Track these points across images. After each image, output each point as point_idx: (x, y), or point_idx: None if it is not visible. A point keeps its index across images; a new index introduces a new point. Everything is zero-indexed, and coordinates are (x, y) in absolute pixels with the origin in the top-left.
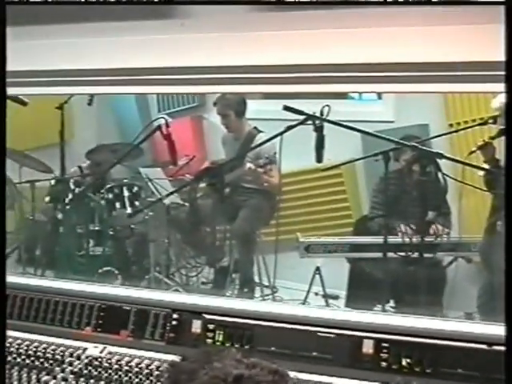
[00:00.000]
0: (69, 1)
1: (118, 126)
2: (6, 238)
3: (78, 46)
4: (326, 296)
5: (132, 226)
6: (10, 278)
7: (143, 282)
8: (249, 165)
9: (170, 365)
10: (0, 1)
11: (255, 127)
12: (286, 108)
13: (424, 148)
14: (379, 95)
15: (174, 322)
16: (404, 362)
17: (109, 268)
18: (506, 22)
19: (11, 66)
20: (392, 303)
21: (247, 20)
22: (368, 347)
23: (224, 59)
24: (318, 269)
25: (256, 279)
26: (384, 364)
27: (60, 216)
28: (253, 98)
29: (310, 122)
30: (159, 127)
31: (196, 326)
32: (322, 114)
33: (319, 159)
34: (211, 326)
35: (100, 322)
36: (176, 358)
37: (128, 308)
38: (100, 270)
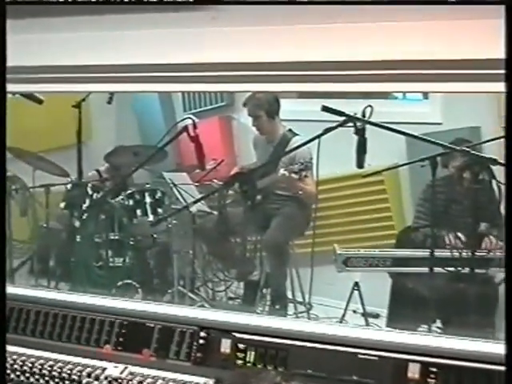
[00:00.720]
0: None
1: (139, 126)
2: (18, 247)
3: (98, 39)
4: (365, 314)
5: (154, 236)
6: (22, 291)
7: (166, 297)
8: (282, 171)
9: None
10: (0, 1)
11: (290, 129)
12: (325, 108)
13: (476, 153)
14: (425, 95)
15: (201, 341)
16: None
17: (129, 281)
18: (506, 22)
19: (25, 61)
20: (439, 323)
21: (283, 12)
22: (414, 371)
23: (257, 55)
24: (356, 284)
25: (289, 295)
26: None
27: (76, 224)
28: (287, 97)
29: (350, 123)
30: (186, 128)
31: (225, 345)
32: (363, 115)
33: (360, 164)
34: (242, 346)
35: (120, 339)
36: (210, 381)
37: (151, 325)
38: (119, 283)
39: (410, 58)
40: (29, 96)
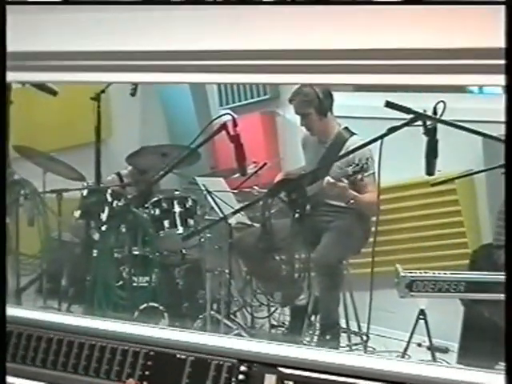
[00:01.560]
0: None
1: (168, 123)
2: (26, 263)
3: (121, 22)
4: (432, 348)
5: (184, 251)
6: (31, 314)
7: (196, 323)
8: (327, 178)
9: None
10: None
11: (346, 128)
12: (389, 104)
13: None
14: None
15: (241, 376)
16: None
17: (154, 304)
18: (506, 22)
19: (37, 45)
20: None
21: None
22: None
23: (306, 41)
24: (422, 312)
25: (342, 323)
26: None
27: (94, 236)
28: (341, 90)
29: (419, 122)
30: (224, 126)
31: (270, 381)
32: (435, 112)
33: (431, 171)
34: (289, 383)
35: (146, 372)
36: None
37: (182, 356)
38: (142, 306)
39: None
40: (41, 86)
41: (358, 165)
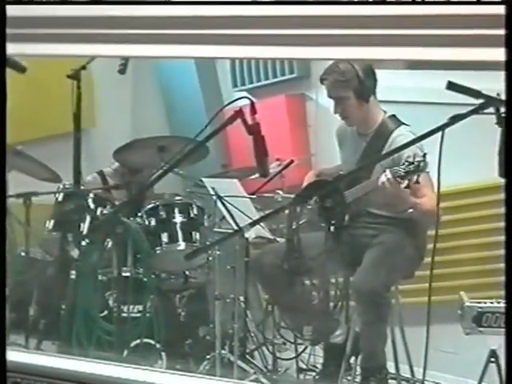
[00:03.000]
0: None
1: (166, 108)
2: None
3: None
4: None
5: (187, 273)
6: None
7: (203, 366)
8: (384, 175)
9: None
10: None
11: (393, 116)
12: (452, 86)
13: None
14: None
15: None
16: None
17: (149, 340)
18: (506, 22)
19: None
20: None
21: None
22: None
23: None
24: (493, 353)
25: (390, 367)
26: None
27: (72, 253)
28: (388, 67)
29: (490, 109)
30: (239, 112)
31: None
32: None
33: (506, 171)
34: None
35: None
36: None
37: None
38: (134, 343)
39: None
40: (6, 61)
41: (412, 163)
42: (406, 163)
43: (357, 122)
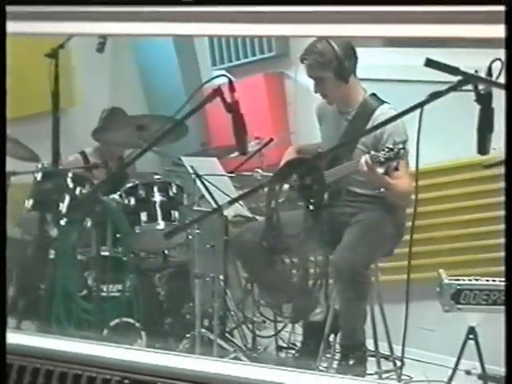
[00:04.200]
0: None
1: (145, 87)
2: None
3: None
4: (485, 377)
5: (167, 252)
6: None
7: (182, 344)
8: (364, 158)
9: None
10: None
11: (374, 94)
12: (430, 63)
13: None
14: None
15: None
16: None
17: (128, 319)
18: (506, 22)
19: None
20: None
21: None
22: None
23: None
24: (472, 331)
25: (369, 344)
26: None
27: (51, 232)
28: (367, 45)
29: (468, 86)
30: (218, 91)
31: None
32: (489, 73)
33: (484, 149)
34: None
35: None
36: None
37: None
38: (114, 322)
39: None
40: None
41: (392, 149)
42: (387, 149)
43: (337, 101)
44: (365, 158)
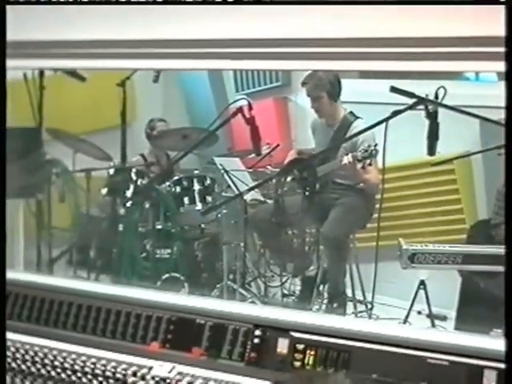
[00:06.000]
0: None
1: (187, 107)
2: (58, 236)
3: (145, 14)
4: (431, 316)
5: (203, 226)
6: (61, 282)
7: (214, 292)
8: (346, 158)
9: None
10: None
11: (351, 112)
12: (394, 89)
13: None
14: (501, 75)
15: (256, 340)
16: None
17: (175, 274)
18: (506, 22)
19: (66, 34)
20: None
21: None
22: (490, 379)
23: (314, 31)
24: (422, 283)
25: (348, 293)
26: None
27: (120, 211)
28: (347, 77)
29: (421, 106)
30: (240, 109)
31: (283, 345)
32: (436, 96)
33: (432, 151)
34: (300, 346)
35: (169, 336)
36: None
37: (202, 321)
38: (164, 276)
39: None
40: (71, 73)
41: (366, 150)
42: (363, 150)
43: (326, 116)
44: (347, 157)
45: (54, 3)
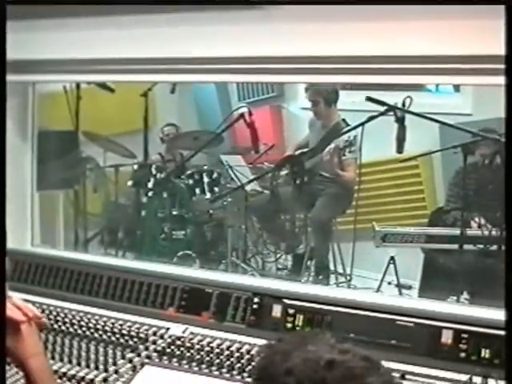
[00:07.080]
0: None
1: (198, 113)
2: (92, 221)
3: (164, 35)
4: (399, 285)
5: (211, 212)
6: (94, 258)
7: (220, 266)
8: (329, 148)
9: (266, 346)
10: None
11: (344, 119)
12: (369, 99)
13: (503, 140)
14: (457, 88)
15: (254, 306)
16: (484, 354)
17: (188, 251)
18: (506, 22)
19: (100, 53)
20: (466, 295)
21: (332, 11)
22: (447, 337)
23: (307, 49)
24: (392, 258)
25: (331, 267)
26: (463, 355)
27: (142, 200)
28: (342, 88)
29: (391, 113)
30: (242, 115)
31: (276, 310)
32: (403, 105)
33: (400, 150)
34: (291, 311)
35: (183, 303)
36: (272, 340)
37: (210, 290)
38: (179, 253)
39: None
40: (102, 85)
41: (347, 140)
42: (344, 141)
43: (322, 118)
44: (329, 147)
45: (54, 3)
